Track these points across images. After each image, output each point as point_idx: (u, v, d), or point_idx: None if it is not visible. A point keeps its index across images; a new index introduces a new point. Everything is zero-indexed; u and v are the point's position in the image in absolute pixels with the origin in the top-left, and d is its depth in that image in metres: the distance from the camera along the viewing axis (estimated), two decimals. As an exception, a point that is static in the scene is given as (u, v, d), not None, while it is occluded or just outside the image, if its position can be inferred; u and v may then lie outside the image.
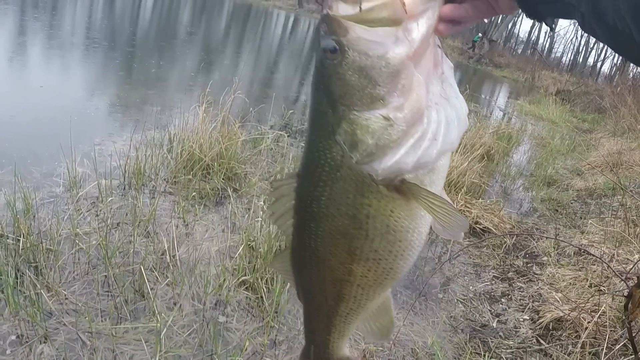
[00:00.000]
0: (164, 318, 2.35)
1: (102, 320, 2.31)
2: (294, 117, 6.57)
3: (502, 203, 4.99)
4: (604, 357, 2.47)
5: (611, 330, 2.68)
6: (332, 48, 0.66)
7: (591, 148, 9.01)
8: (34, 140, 4.04)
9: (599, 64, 44.98)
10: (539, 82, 22.25)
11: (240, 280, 2.75)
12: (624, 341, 2.50)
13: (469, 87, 8.86)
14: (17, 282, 2.37)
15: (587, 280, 3.38)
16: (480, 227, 4.29)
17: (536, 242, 4.24)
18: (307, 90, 9.51)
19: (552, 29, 0.74)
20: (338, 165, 0.71)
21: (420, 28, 0.66)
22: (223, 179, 3.94)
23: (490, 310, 3.21)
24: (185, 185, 3.75)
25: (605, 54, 43.31)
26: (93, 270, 2.61)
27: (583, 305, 2.93)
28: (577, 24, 0.66)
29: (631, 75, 19.05)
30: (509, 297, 3.40)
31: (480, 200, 4.72)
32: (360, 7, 0.64)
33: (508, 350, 2.80)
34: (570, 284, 3.41)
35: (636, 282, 2.16)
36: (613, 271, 3.03)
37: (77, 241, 2.77)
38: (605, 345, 2.54)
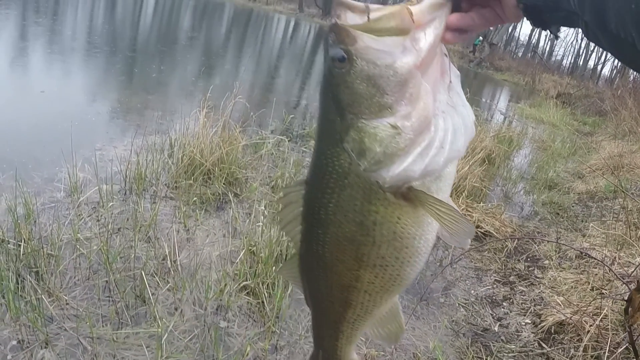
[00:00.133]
0: (165, 323, 2.35)
1: (103, 326, 2.31)
2: (295, 121, 6.57)
3: (504, 207, 4.99)
4: (606, 361, 2.47)
5: (613, 334, 2.67)
6: (340, 57, 0.67)
7: (592, 151, 9.02)
8: (35, 146, 4.05)
9: (599, 67, 45.07)
10: (540, 85, 22.29)
11: (242, 285, 2.75)
12: (626, 344, 2.49)
13: (470, 91, 8.85)
14: (18, 287, 2.37)
15: (589, 283, 3.38)
16: (482, 231, 4.29)
17: (537, 245, 4.24)
18: (308, 94, 9.54)
19: (557, 37, 0.75)
20: (346, 172, 0.72)
21: (427, 37, 0.66)
22: (224, 183, 3.94)
23: (491, 314, 3.21)
24: (186, 190, 3.75)
25: (606, 56, 43.33)
26: (94, 276, 2.61)
27: (585, 308, 2.92)
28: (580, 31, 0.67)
29: (632, 78, 19.07)
30: (511, 300, 3.39)
31: (481, 204, 4.71)
32: (368, 17, 0.65)
33: (510, 355, 2.79)
34: (572, 287, 3.41)
35: (636, 286, 2.15)
36: (615, 274, 3.03)
37: (78, 246, 2.77)
38: (608, 348, 2.53)
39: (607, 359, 2.48)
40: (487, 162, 5.96)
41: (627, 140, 9.70)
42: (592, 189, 6.32)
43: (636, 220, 4.38)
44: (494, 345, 2.85)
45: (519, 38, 56.05)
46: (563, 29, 0.73)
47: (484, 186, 5.09)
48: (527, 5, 0.67)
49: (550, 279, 3.62)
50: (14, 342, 2.11)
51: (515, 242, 4.23)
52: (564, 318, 2.94)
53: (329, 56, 0.68)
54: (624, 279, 2.80)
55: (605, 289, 3.22)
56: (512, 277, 3.74)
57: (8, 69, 6.39)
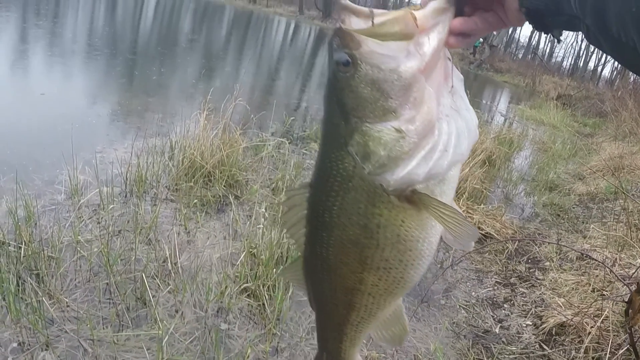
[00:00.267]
0: (165, 325, 2.35)
1: (103, 328, 2.31)
2: (295, 124, 6.58)
3: (504, 208, 4.99)
4: (607, 363, 2.47)
5: (614, 335, 2.67)
6: (345, 61, 0.67)
7: (592, 152, 9.02)
8: (35, 148, 4.05)
9: (599, 68, 45.11)
10: (540, 87, 22.28)
11: (242, 287, 2.75)
12: (627, 346, 2.49)
13: (470, 93, 8.80)
14: (18, 289, 2.37)
15: (590, 285, 3.37)
16: (483, 232, 4.29)
17: (538, 247, 4.24)
18: (308, 97, 9.55)
19: (559, 41, 0.75)
20: (350, 175, 0.72)
21: (431, 42, 0.67)
22: (224, 186, 3.94)
23: (492, 316, 3.20)
24: (186, 192, 3.75)
25: (606, 58, 43.33)
26: (95, 278, 2.61)
27: (586, 310, 2.92)
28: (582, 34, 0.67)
29: (632, 79, 19.07)
30: (512, 302, 3.39)
31: (482, 205, 4.72)
32: (372, 22, 0.66)
33: (511, 356, 2.79)
34: (573, 289, 3.41)
35: (637, 287, 2.16)
36: (615, 276, 3.03)
37: (78, 248, 2.77)
38: (609, 350, 2.53)
39: (609, 360, 2.48)
40: (487, 163, 5.96)
41: (627, 141, 9.71)
42: (593, 191, 6.32)
43: (637, 221, 4.38)
44: (494, 347, 2.84)
45: (519, 40, 56.12)
46: (564, 31, 0.73)
47: (484, 188, 5.09)
48: (529, 10, 0.68)
49: (551, 280, 3.62)
50: (15, 344, 2.11)
51: (516, 244, 4.23)
52: (564, 320, 2.94)
53: (333, 60, 0.68)
54: (624, 280, 2.80)
55: (606, 291, 3.22)
56: (512, 278, 3.74)
57: (9, 71, 6.40)
